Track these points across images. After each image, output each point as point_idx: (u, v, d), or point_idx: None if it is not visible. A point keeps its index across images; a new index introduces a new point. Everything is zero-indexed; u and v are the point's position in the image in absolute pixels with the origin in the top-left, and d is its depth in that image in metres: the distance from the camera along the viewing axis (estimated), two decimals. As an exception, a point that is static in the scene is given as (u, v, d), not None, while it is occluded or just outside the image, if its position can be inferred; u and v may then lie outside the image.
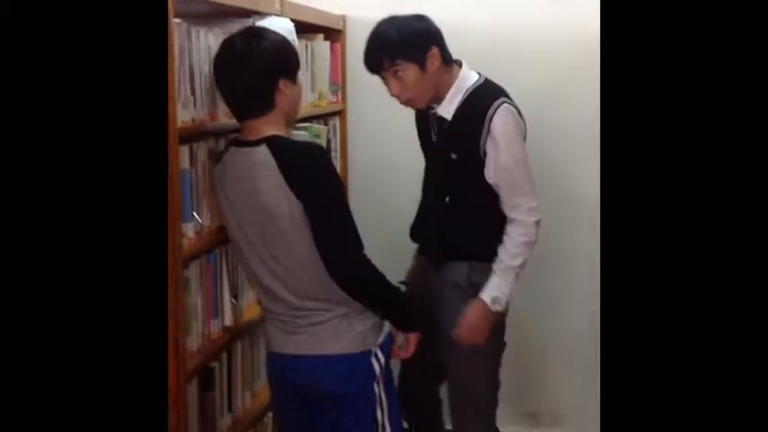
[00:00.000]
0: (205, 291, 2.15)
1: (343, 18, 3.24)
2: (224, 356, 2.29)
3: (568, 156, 3.19)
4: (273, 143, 1.96)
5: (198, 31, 2.06)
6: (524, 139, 2.41)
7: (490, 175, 2.36)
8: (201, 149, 2.10)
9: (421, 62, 2.34)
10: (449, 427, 2.66)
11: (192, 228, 2.04)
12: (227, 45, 2.01)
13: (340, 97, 3.22)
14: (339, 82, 3.19)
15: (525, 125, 2.42)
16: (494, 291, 2.37)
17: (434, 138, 2.49)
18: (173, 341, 1.92)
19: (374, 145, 3.29)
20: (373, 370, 2.08)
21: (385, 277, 2.07)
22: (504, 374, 2.61)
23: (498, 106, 2.33)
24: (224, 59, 2.00)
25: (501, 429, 2.67)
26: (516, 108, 2.38)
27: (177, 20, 1.94)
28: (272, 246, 2.00)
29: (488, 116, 2.32)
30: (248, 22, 2.30)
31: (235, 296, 2.32)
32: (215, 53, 2.04)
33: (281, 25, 2.37)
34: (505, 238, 2.37)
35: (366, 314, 2.08)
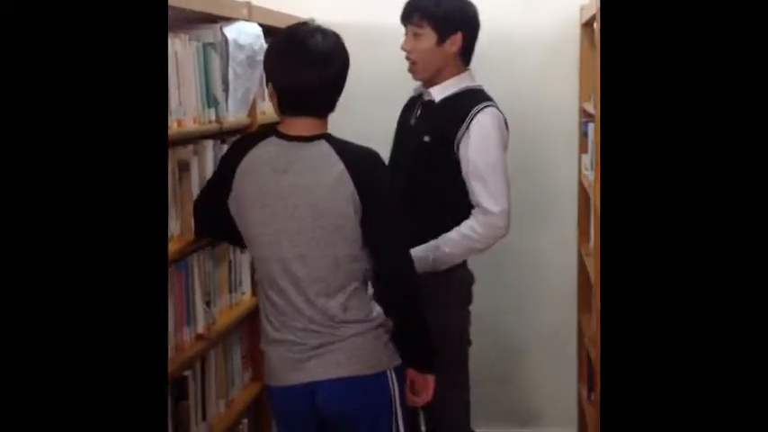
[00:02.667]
0: (176, 298, 2.13)
1: (312, 21, 3.23)
2: (197, 365, 2.27)
3: (545, 153, 3.23)
4: (333, 141, 1.94)
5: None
6: (505, 149, 2.43)
7: (462, 170, 2.38)
8: (171, 157, 2.09)
9: (442, 37, 2.43)
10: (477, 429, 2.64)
11: (162, 236, 2.02)
12: (298, 41, 1.95)
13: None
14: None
15: (508, 136, 2.46)
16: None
17: (413, 121, 2.53)
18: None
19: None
20: (390, 391, 2.01)
21: (420, 295, 2.02)
22: (482, 373, 2.61)
23: (485, 107, 2.39)
24: (296, 55, 1.93)
25: (477, 430, 2.67)
26: (504, 118, 2.43)
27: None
28: (304, 243, 1.92)
29: (472, 112, 2.38)
30: (215, 27, 2.29)
31: (207, 303, 2.31)
32: (275, 46, 1.99)
33: (250, 31, 2.37)
34: (456, 227, 2.39)
35: (378, 332, 2.01)
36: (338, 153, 1.91)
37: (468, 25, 2.47)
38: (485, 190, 2.36)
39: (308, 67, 1.91)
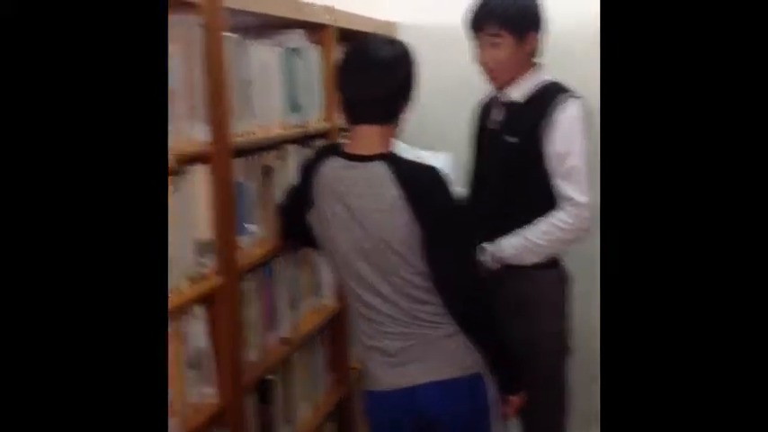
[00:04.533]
0: (263, 303, 2.15)
1: (395, 25, 3.22)
2: (282, 369, 2.29)
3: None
4: (391, 161, 1.90)
5: (250, 44, 2.06)
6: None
7: (547, 163, 2.31)
8: (257, 162, 2.11)
9: (520, 40, 2.34)
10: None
11: (246, 240, 2.04)
12: (365, 49, 1.94)
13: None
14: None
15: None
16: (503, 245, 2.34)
17: (494, 124, 2.46)
18: (231, 354, 1.93)
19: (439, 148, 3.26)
20: (486, 394, 1.99)
21: (495, 317, 1.97)
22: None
23: (568, 98, 2.31)
24: (362, 63, 1.92)
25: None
26: (587, 110, 2.34)
27: (229, 33, 1.94)
28: (376, 264, 1.91)
29: (556, 105, 2.30)
30: (299, 32, 2.31)
31: (292, 307, 2.32)
32: (343, 55, 1.97)
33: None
34: (544, 218, 2.32)
35: None
36: (394, 175, 1.86)
37: (541, 20, 2.38)
38: (571, 181, 2.28)
39: (368, 75, 1.90)
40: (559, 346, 2.42)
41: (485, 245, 2.34)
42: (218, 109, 1.84)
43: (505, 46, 2.34)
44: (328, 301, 2.60)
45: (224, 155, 1.88)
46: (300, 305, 2.40)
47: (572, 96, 2.33)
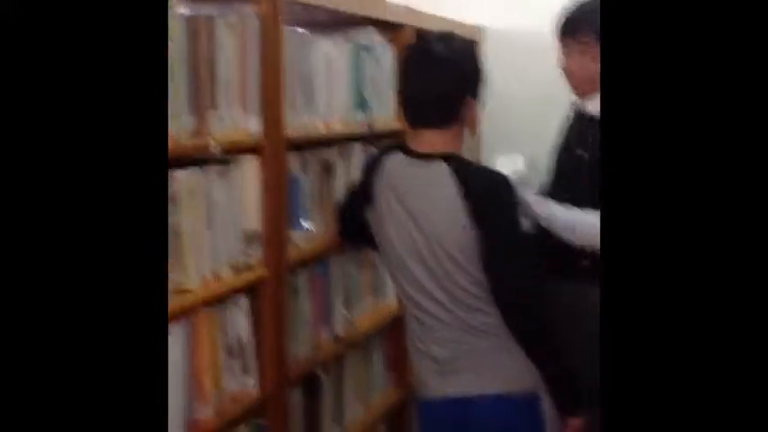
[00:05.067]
0: (315, 299, 2.15)
1: (481, 28, 3.18)
2: (334, 366, 2.28)
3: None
4: (454, 161, 1.84)
5: (315, 39, 2.07)
6: None
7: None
8: (315, 157, 2.11)
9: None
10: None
11: (300, 235, 2.05)
12: (420, 47, 1.91)
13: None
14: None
15: None
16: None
17: (570, 135, 2.37)
18: (275, 346, 1.93)
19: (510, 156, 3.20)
20: (543, 412, 1.91)
21: (553, 330, 1.88)
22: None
23: None
24: (416, 62, 1.88)
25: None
26: None
27: (291, 28, 1.95)
28: (430, 267, 1.85)
29: None
30: (369, 29, 2.30)
31: (347, 307, 2.31)
32: (404, 55, 1.95)
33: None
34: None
35: None
36: (455, 176, 1.80)
37: None
38: None
39: (423, 75, 1.83)
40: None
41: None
42: (272, 101, 1.85)
43: (595, 55, 2.21)
44: (390, 302, 2.58)
45: (277, 147, 1.89)
46: (358, 304, 2.39)
47: None
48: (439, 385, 1.92)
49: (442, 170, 1.82)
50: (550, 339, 1.88)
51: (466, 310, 1.86)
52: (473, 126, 1.94)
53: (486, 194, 1.82)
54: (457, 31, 2.86)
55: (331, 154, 2.19)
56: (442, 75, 1.82)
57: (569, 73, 2.30)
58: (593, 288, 2.25)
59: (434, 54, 1.84)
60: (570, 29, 2.26)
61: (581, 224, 2.14)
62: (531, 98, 3.11)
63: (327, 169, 2.17)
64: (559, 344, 1.90)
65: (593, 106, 2.28)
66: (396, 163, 1.90)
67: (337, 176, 2.22)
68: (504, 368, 1.88)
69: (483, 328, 1.87)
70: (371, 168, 1.96)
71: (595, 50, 2.21)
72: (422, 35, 1.99)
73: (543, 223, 2.16)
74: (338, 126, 2.18)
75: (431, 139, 1.86)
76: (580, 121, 2.34)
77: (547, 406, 1.91)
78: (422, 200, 1.84)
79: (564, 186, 2.33)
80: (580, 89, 2.31)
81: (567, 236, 2.18)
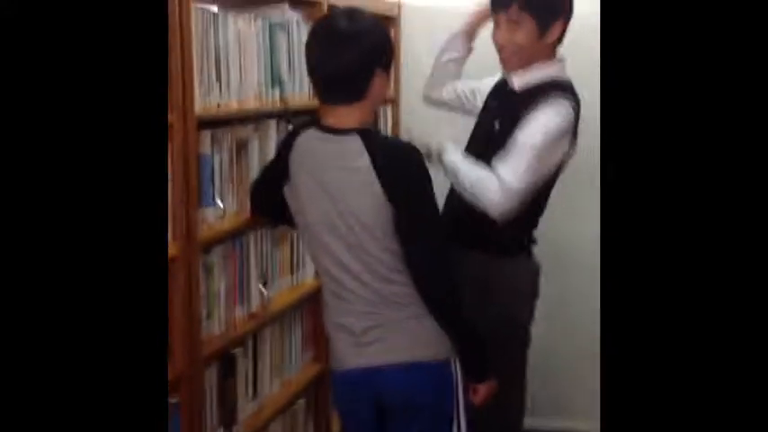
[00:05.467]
0: (229, 276, 2.15)
1: (398, 4, 3.19)
2: (249, 343, 2.29)
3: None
4: (366, 135, 1.86)
5: (226, 17, 2.05)
6: (561, 147, 2.23)
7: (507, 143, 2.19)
8: (227, 135, 2.10)
9: (543, 28, 2.23)
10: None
11: (212, 213, 2.04)
12: (325, 24, 1.89)
13: (392, 85, 3.17)
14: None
15: (574, 140, 2.26)
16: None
17: (491, 107, 2.40)
18: (187, 325, 1.93)
19: (428, 134, 3.23)
20: (453, 381, 1.97)
21: (463, 299, 1.92)
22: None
23: (559, 98, 2.20)
24: (321, 39, 1.86)
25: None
26: (574, 116, 2.22)
27: (201, 5, 1.93)
28: (346, 239, 1.88)
29: (542, 100, 2.19)
30: (283, 6, 2.29)
31: (264, 283, 2.32)
32: (310, 32, 1.92)
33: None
34: (487, 171, 2.18)
35: None
36: (368, 149, 1.83)
37: (569, 8, 2.26)
38: (509, 161, 2.14)
39: (328, 51, 1.83)
40: (523, 337, 2.39)
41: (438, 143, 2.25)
42: (180, 79, 1.84)
43: (525, 30, 2.22)
44: (308, 278, 2.60)
45: (186, 125, 1.88)
46: (275, 281, 2.40)
47: (565, 97, 2.22)
48: (352, 357, 1.97)
49: (356, 144, 1.84)
50: (460, 306, 1.93)
51: (380, 281, 1.90)
52: (379, 103, 1.95)
53: (399, 166, 1.84)
54: (373, 7, 2.88)
55: (245, 131, 2.18)
56: (349, 51, 1.82)
57: (499, 47, 2.31)
58: (498, 260, 2.33)
59: (339, 30, 1.83)
60: (501, 3, 2.26)
61: (476, 182, 2.17)
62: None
63: (242, 147, 2.16)
64: (468, 311, 1.94)
65: (519, 82, 2.31)
66: (310, 139, 1.92)
67: (252, 154, 2.21)
68: (414, 337, 1.93)
69: (396, 298, 1.91)
70: (287, 145, 1.97)
71: (524, 25, 2.22)
72: (328, 12, 1.99)
73: (448, 175, 2.22)
74: (252, 104, 2.17)
75: (343, 115, 1.87)
76: (502, 94, 2.37)
77: (458, 373, 1.97)
78: (336, 174, 1.86)
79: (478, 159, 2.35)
80: (509, 64, 2.32)
81: (460, 189, 2.23)
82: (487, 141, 2.33)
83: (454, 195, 2.32)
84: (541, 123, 2.17)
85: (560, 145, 2.22)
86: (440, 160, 2.24)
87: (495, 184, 2.14)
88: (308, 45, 1.89)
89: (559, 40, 2.29)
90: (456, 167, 2.22)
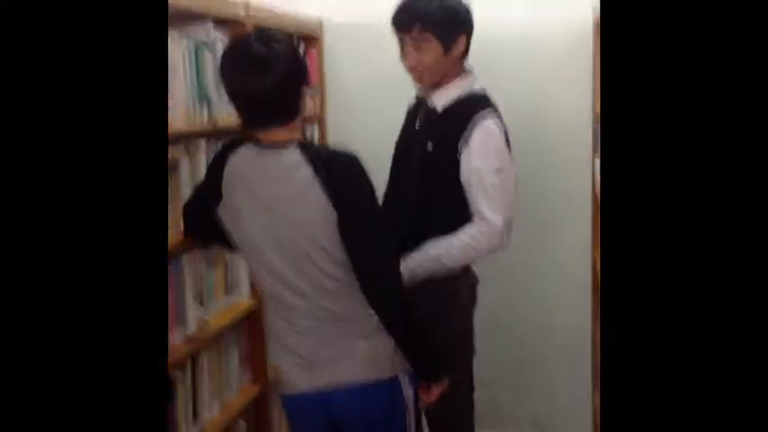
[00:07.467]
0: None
1: (320, 22, 3.21)
2: (188, 367, 2.25)
3: (558, 156, 3.16)
4: (306, 147, 1.85)
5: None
6: (508, 157, 2.31)
7: (463, 177, 2.28)
8: (158, 155, 2.07)
9: (447, 44, 2.28)
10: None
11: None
12: (243, 50, 1.83)
13: (318, 104, 3.18)
14: (315, 88, 3.15)
15: (509, 146, 2.33)
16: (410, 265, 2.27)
17: (418, 126, 2.42)
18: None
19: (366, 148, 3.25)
20: (403, 396, 1.98)
21: (410, 303, 1.93)
22: (495, 378, 2.54)
23: (488, 113, 2.27)
24: (241, 65, 1.81)
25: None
26: (504, 128, 2.31)
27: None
28: (289, 254, 1.86)
29: (474, 119, 2.25)
30: (208, 26, 2.28)
31: (200, 303, 2.29)
32: (223, 57, 1.88)
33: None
34: (455, 234, 2.28)
35: (387, 335, 1.93)
36: (309, 160, 1.82)
37: (468, 23, 2.32)
38: (485, 198, 2.24)
39: (246, 75, 1.80)
40: (467, 346, 2.42)
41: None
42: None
43: (431, 50, 2.27)
44: (244, 298, 2.58)
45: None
46: (211, 302, 2.37)
47: (491, 111, 2.28)
48: (303, 380, 1.97)
49: (295, 156, 1.83)
50: (408, 310, 1.93)
51: (326, 297, 1.89)
52: (304, 117, 1.97)
53: (343, 174, 1.84)
54: (294, 27, 2.90)
55: (176, 151, 2.16)
56: (265, 73, 1.79)
57: (409, 68, 2.34)
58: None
59: (259, 55, 1.80)
60: (403, 24, 2.29)
61: (462, 246, 2.27)
62: (373, 90, 3.17)
63: (172, 167, 2.14)
64: (416, 316, 1.95)
65: (440, 100, 2.34)
66: (244, 155, 1.90)
67: (183, 174, 2.19)
68: (364, 358, 1.93)
69: (342, 315, 1.91)
70: (218, 164, 1.95)
71: (428, 44, 2.26)
72: (245, 33, 1.98)
73: (407, 281, 2.15)
74: (181, 124, 2.15)
75: (276, 133, 1.87)
76: (428, 115, 2.39)
77: (406, 386, 1.98)
78: (278, 188, 1.84)
79: (411, 182, 2.38)
80: (424, 82, 2.37)
81: (454, 264, 2.31)
82: (421, 162, 2.36)
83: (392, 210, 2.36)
84: (486, 144, 2.24)
85: (510, 155, 2.31)
86: (413, 279, 2.27)
87: (474, 235, 2.26)
88: (225, 70, 1.86)
89: (465, 53, 2.35)
90: (430, 267, 2.29)
